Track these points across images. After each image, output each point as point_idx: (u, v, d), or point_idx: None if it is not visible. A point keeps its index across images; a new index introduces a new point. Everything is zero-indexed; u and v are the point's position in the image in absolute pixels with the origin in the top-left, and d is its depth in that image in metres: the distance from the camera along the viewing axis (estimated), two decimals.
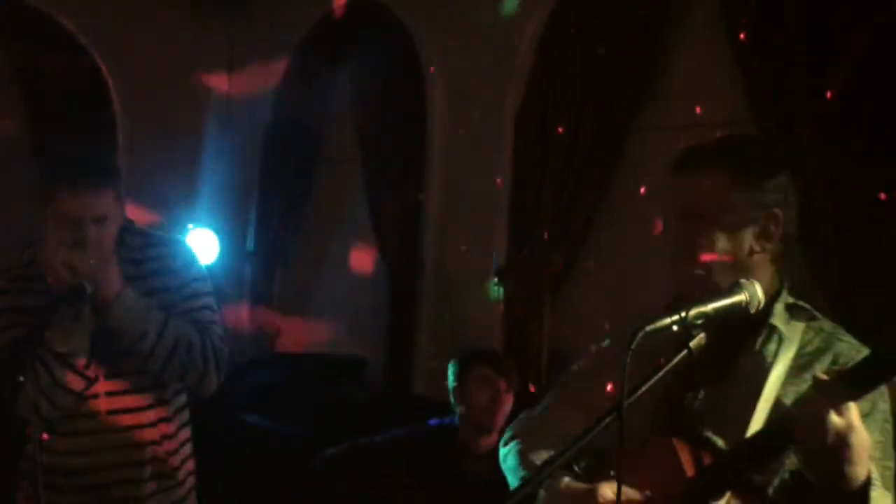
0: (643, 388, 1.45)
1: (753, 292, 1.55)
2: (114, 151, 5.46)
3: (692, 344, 1.47)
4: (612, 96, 3.95)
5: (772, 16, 3.36)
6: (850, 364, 1.51)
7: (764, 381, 1.62)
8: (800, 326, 1.68)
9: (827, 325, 1.71)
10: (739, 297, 1.53)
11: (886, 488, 1.54)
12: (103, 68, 5.60)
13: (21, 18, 5.32)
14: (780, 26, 3.33)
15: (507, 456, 1.90)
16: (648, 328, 1.43)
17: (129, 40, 5.49)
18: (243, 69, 5.95)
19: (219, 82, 6.02)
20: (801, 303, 1.73)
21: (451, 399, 3.31)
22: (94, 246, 2.25)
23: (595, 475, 1.70)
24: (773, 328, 1.67)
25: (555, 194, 4.10)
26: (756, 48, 3.39)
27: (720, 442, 1.63)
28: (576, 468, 1.75)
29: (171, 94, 5.61)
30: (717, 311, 1.51)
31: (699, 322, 1.48)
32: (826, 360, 1.64)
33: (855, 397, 1.41)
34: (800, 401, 1.46)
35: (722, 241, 1.66)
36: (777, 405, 1.60)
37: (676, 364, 1.47)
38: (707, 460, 1.60)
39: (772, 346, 1.66)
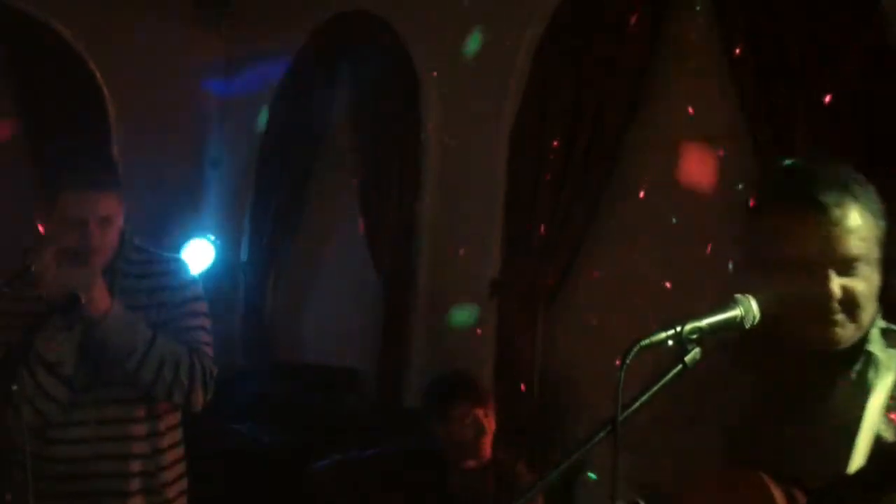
0: (637, 403, 1.44)
1: (748, 307, 1.49)
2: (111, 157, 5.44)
3: (687, 359, 1.45)
4: (607, 109, 3.95)
5: (766, 27, 3.36)
6: None
7: (862, 413, 1.48)
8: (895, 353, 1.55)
9: None
10: (734, 313, 1.48)
11: None
12: (98, 76, 5.58)
13: (16, 25, 5.30)
14: (775, 37, 3.33)
15: None
16: (643, 342, 1.39)
17: (125, 48, 5.46)
18: (240, 77, 5.95)
19: (215, 90, 6.02)
20: (894, 326, 1.60)
21: (430, 424, 3.24)
22: (97, 248, 2.27)
23: None
24: (870, 355, 1.54)
25: (549, 207, 4.10)
26: (751, 60, 3.40)
27: (812, 480, 1.47)
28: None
29: (167, 101, 5.60)
30: (712, 326, 1.46)
31: (694, 337, 1.44)
32: None
33: None
34: None
35: (873, 279, 1.53)
36: (876, 440, 1.48)
37: (671, 379, 1.46)
38: (801, 500, 1.45)
39: (870, 375, 1.53)
